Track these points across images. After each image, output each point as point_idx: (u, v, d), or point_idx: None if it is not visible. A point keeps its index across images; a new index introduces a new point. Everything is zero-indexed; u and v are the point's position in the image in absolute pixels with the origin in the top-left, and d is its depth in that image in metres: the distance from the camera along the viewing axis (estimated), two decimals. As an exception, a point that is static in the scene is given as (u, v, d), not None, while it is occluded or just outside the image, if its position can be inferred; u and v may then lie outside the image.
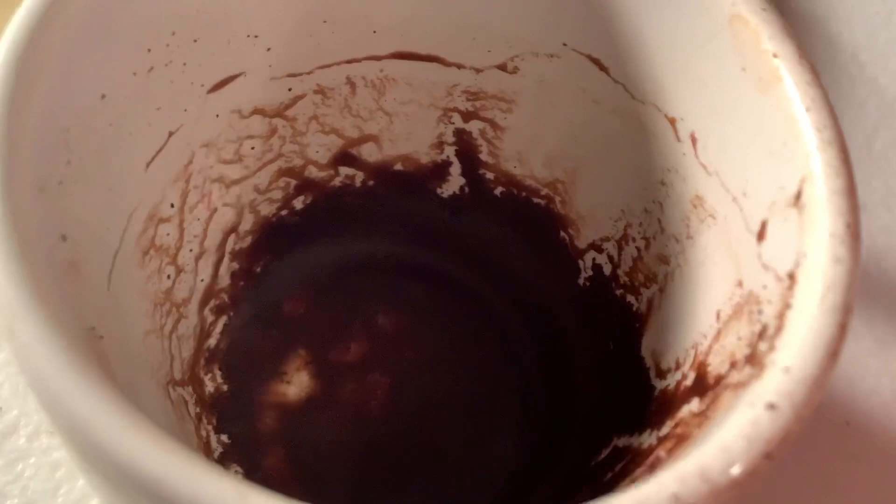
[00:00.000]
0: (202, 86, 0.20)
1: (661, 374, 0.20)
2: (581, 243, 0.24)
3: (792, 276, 0.15)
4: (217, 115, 0.21)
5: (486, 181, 0.24)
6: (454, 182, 0.25)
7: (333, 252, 0.25)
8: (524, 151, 0.23)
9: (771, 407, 0.13)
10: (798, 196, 0.16)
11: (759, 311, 0.16)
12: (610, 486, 0.19)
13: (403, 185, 0.25)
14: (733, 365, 0.16)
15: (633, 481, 0.18)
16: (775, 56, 0.17)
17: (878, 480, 0.25)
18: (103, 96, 0.17)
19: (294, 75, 0.22)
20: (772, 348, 0.14)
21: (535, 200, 0.24)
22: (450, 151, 0.24)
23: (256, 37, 0.20)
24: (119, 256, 0.19)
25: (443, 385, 0.24)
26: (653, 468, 0.17)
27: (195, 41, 0.19)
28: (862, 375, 0.26)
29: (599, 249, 0.23)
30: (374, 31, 0.22)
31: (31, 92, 0.15)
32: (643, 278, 0.22)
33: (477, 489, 0.22)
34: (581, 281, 0.24)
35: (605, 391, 0.22)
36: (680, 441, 0.16)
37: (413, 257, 0.25)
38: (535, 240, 0.24)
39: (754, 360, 0.15)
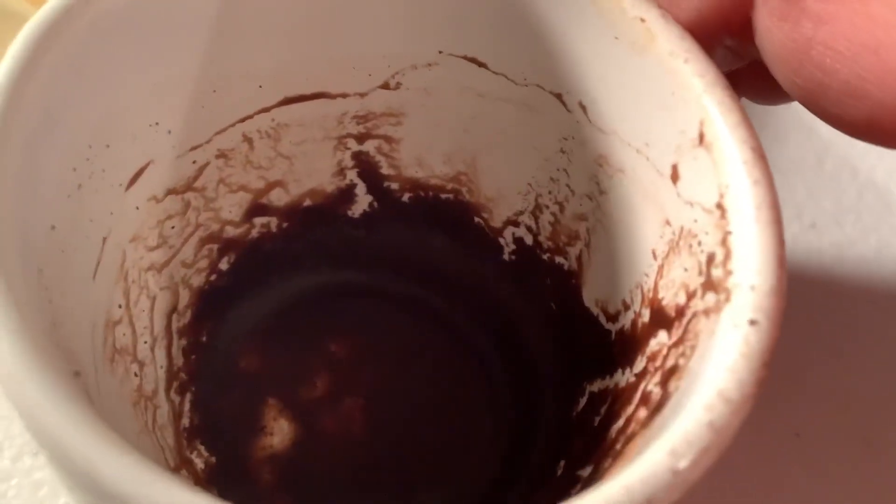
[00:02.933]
0: (120, 185, 0.20)
1: (612, 318, 0.22)
2: (496, 223, 0.25)
3: (721, 206, 0.17)
4: (137, 208, 0.21)
5: (393, 192, 0.26)
6: (362, 201, 0.26)
7: (269, 299, 0.26)
8: (422, 156, 0.25)
9: (753, 323, 0.15)
10: (701, 137, 0.18)
11: (699, 243, 0.18)
12: (602, 430, 0.21)
13: (316, 218, 0.26)
14: (692, 295, 0.18)
15: (626, 419, 0.20)
16: (642, 20, 0.19)
17: (827, 492, 0.26)
18: (53, 227, 0.17)
19: (195, 148, 0.22)
20: (728, 272, 0.17)
21: (444, 196, 0.25)
22: (352, 175, 0.25)
23: (157, 124, 0.21)
24: (96, 371, 0.19)
25: (410, 389, 0.25)
26: (647, 402, 0.19)
27: (108, 146, 0.19)
28: (812, 387, 0.27)
29: (516, 224, 0.25)
30: (260, 86, 0.22)
31: (5, 243, 0.15)
32: (566, 238, 0.24)
33: (476, 473, 0.24)
34: (506, 256, 0.26)
35: (562, 347, 0.24)
36: (671, 373, 0.18)
37: (343, 282, 0.26)
38: (453, 232, 0.26)
39: (714, 286, 0.17)
